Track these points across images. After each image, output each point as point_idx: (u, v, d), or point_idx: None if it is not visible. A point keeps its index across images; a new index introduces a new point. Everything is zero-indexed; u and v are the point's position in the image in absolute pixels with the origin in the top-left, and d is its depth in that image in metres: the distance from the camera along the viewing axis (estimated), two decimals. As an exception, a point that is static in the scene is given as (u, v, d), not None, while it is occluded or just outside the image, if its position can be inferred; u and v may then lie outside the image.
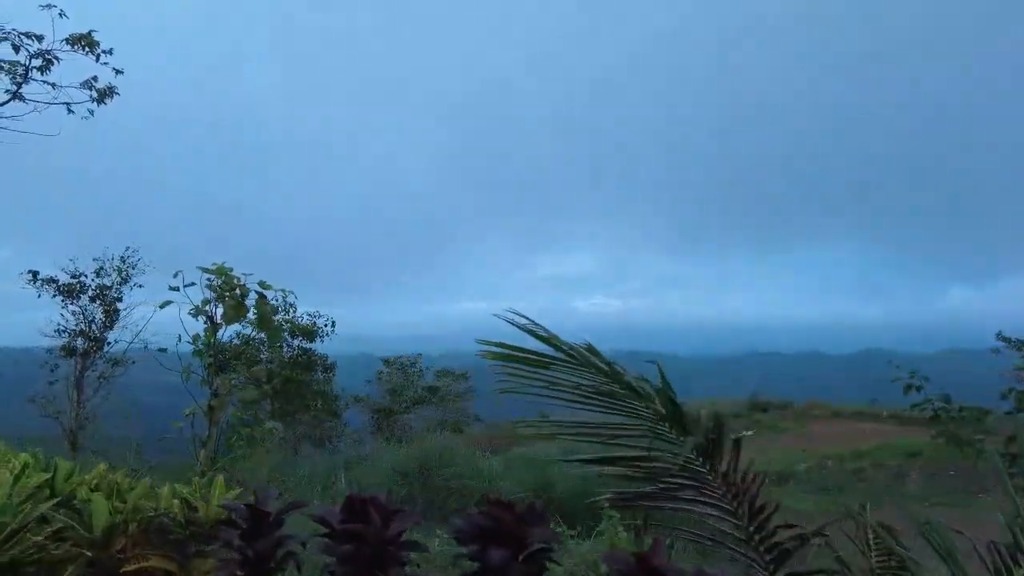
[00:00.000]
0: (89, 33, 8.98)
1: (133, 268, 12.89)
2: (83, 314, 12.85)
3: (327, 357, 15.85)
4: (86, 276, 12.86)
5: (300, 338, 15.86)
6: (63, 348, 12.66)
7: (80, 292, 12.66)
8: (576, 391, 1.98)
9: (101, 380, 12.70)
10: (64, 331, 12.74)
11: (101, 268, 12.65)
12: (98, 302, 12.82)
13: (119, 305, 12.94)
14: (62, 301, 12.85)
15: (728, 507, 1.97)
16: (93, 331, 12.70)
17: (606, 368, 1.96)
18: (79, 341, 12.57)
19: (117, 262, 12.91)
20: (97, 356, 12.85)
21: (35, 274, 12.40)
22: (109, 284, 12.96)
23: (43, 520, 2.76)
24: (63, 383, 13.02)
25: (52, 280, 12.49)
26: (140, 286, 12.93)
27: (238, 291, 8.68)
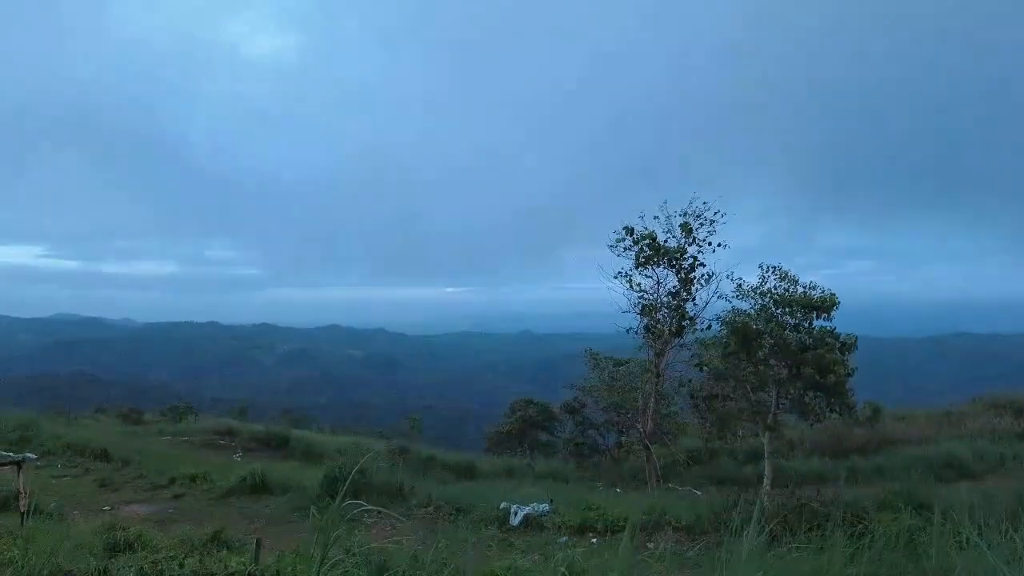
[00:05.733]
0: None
1: (710, 224, 10.27)
2: (658, 283, 10.33)
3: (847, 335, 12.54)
4: (656, 236, 10.34)
5: (803, 313, 12.92)
6: (648, 328, 10.13)
7: (661, 255, 10.13)
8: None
9: (700, 367, 10.07)
10: (640, 304, 10.25)
11: (686, 224, 10.07)
12: (675, 267, 10.27)
13: (698, 272, 10.38)
14: (628, 269, 10.38)
15: None
16: (674, 303, 10.13)
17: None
18: (665, 315, 10.02)
19: (682, 217, 10.33)
20: (676, 339, 10.27)
21: (630, 231, 9.92)
22: (681, 245, 10.41)
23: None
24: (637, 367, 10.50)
25: (640, 237, 9.96)
26: (723, 246, 10.29)
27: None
